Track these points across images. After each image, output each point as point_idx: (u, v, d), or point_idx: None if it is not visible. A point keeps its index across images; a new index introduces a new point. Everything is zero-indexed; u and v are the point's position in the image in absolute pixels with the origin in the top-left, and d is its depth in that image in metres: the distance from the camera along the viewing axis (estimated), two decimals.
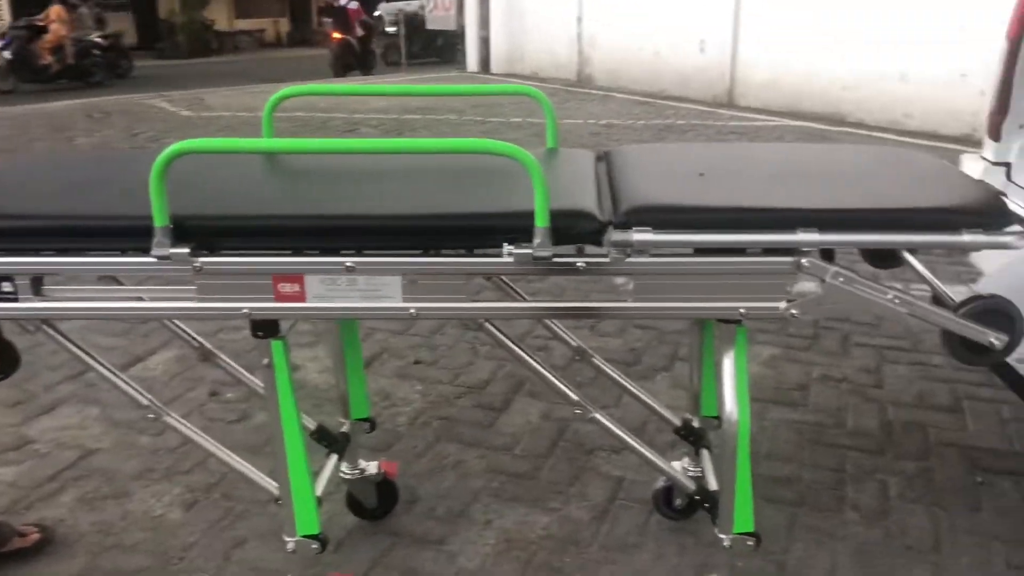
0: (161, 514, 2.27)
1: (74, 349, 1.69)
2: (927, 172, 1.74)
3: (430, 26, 16.14)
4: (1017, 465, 2.43)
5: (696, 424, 2.11)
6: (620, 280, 1.52)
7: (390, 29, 17.26)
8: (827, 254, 1.55)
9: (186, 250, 1.47)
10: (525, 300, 1.83)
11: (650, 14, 11.13)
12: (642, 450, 1.78)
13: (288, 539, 1.71)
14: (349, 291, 1.52)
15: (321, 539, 1.71)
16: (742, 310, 1.51)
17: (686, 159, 1.85)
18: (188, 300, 1.56)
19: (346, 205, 1.58)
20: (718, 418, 1.96)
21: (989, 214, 1.48)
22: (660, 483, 2.22)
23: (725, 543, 1.68)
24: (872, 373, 3.05)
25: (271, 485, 1.78)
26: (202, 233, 1.49)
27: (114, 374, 1.74)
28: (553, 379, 1.72)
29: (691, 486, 1.84)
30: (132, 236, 1.49)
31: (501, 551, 2.14)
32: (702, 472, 2.00)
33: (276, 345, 1.61)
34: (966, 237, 1.44)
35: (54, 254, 1.54)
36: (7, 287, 1.54)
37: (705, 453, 2.05)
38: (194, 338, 2.00)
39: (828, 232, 1.44)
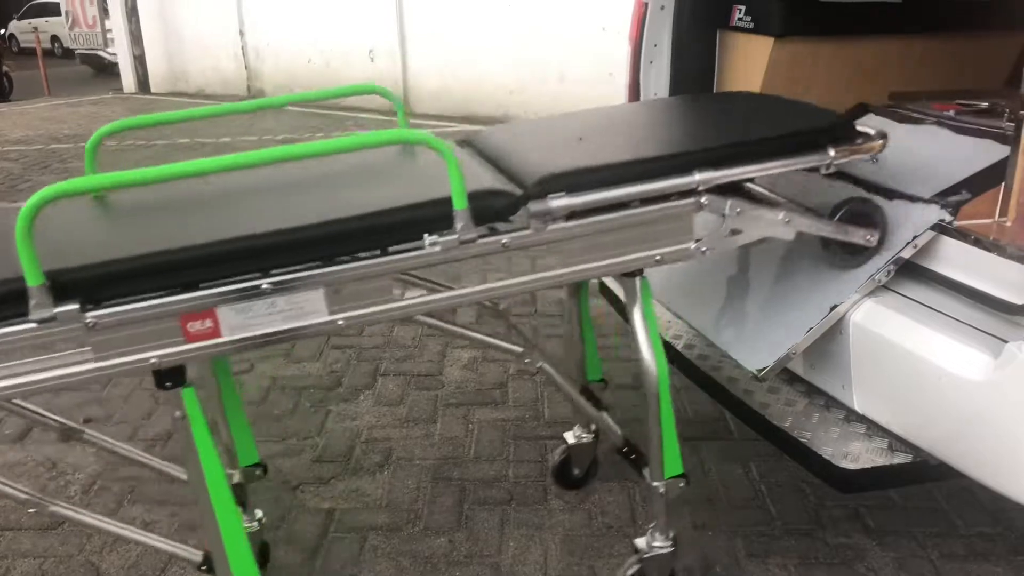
0: None
1: None
2: (775, 106, 1.92)
3: (71, 45, 14.69)
4: (691, 432, 2.67)
5: (591, 389, 2.19)
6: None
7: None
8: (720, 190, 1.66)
9: (75, 306, 1.27)
10: (453, 288, 1.67)
11: (315, 25, 10.99)
12: (582, 402, 1.88)
13: None
14: (269, 315, 1.40)
15: None
16: (657, 256, 1.61)
17: (552, 131, 1.87)
18: (82, 363, 1.34)
19: (250, 224, 1.40)
20: (603, 381, 2.17)
21: (843, 129, 1.70)
22: (557, 457, 2.31)
23: (660, 490, 1.74)
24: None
25: (192, 554, 1.64)
26: (86, 285, 1.29)
27: None
28: (498, 341, 1.76)
29: (619, 441, 1.92)
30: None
31: None
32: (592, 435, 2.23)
33: (188, 393, 1.42)
34: (832, 152, 1.65)
35: None
36: None
37: (605, 414, 2.10)
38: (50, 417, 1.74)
39: (722, 168, 1.57)
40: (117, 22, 13.06)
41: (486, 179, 1.56)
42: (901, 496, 2.30)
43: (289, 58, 11.53)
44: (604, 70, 8.40)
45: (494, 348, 1.79)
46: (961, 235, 1.68)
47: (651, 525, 1.80)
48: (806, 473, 2.23)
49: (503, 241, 1.51)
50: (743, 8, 2.61)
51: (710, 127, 1.77)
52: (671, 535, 1.80)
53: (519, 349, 1.77)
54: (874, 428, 1.83)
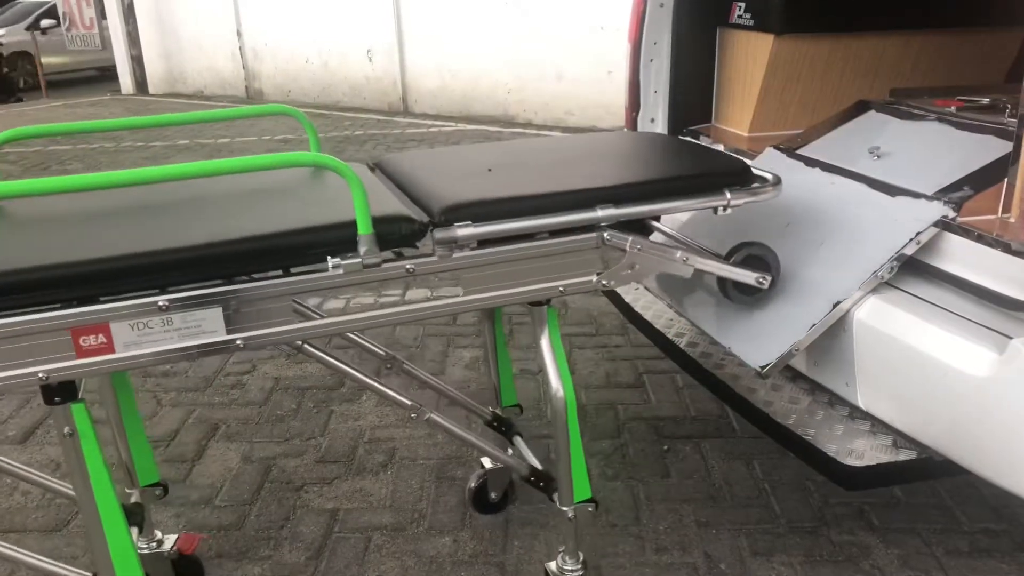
0: None
1: None
2: (681, 148, 1.96)
3: (70, 46, 14.69)
4: (694, 429, 2.67)
5: (503, 415, 2.20)
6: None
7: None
8: (625, 226, 1.71)
9: None
10: (351, 313, 1.66)
11: (313, 25, 10.98)
12: (479, 443, 1.86)
13: None
14: (165, 332, 1.37)
15: None
16: (561, 288, 1.64)
17: (462, 160, 1.89)
18: None
19: (147, 240, 1.38)
20: (518, 406, 2.20)
21: (741, 174, 1.74)
22: (473, 482, 2.28)
23: (569, 515, 1.77)
24: None
25: None
26: None
27: None
28: (382, 387, 1.74)
29: (525, 470, 1.92)
30: None
31: None
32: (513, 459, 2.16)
33: (78, 409, 1.39)
34: (729, 195, 1.70)
35: None
36: None
37: (518, 439, 2.14)
38: None
39: (624, 206, 1.62)
40: (114, 22, 13.05)
41: (393, 205, 1.56)
42: (905, 493, 2.30)
43: (287, 58, 11.52)
44: (602, 69, 8.40)
45: (387, 399, 1.78)
46: (964, 231, 1.68)
47: (561, 549, 1.82)
48: (810, 470, 2.24)
49: (407, 267, 1.51)
50: (743, 5, 2.61)
51: (617, 166, 1.80)
52: (581, 558, 1.82)
53: (408, 403, 1.76)
54: (878, 425, 1.83)
